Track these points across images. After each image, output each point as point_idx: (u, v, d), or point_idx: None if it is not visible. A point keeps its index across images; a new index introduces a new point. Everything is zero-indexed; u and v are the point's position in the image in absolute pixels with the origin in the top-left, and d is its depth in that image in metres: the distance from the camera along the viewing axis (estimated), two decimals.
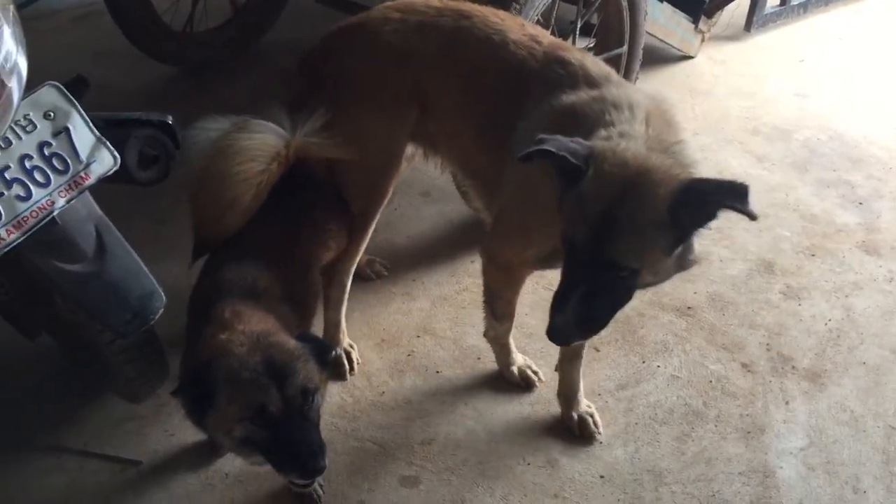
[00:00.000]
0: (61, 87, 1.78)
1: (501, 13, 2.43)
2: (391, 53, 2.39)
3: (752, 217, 1.78)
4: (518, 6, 2.87)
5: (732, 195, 1.78)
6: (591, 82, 2.17)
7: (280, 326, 2.03)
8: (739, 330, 2.99)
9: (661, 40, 4.57)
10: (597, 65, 2.24)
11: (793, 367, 2.84)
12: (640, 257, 1.86)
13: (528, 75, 2.25)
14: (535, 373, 2.72)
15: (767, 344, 2.93)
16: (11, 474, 2.39)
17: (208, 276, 2.21)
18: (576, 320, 1.91)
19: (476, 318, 2.95)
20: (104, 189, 1.89)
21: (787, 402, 2.71)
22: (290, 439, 1.83)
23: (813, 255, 3.37)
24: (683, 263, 1.97)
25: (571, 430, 2.57)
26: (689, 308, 3.06)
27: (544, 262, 2.29)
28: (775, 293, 3.17)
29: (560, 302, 1.93)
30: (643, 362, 2.84)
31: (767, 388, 2.76)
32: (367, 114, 2.42)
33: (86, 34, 4.91)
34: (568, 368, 2.56)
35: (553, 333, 1.97)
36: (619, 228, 1.82)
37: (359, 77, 2.43)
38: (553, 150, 1.83)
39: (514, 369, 2.71)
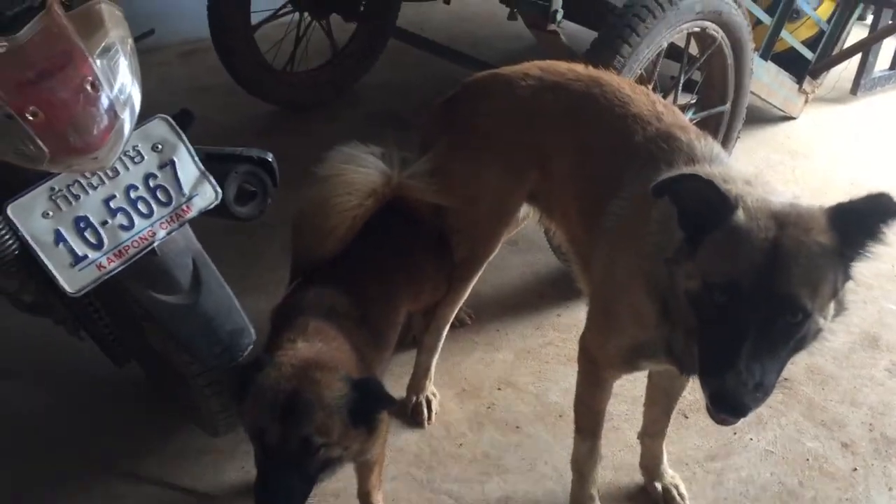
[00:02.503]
0: (171, 120, 1.80)
1: (639, 87, 2.31)
2: (521, 108, 2.36)
3: None
4: (622, 60, 2.82)
5: (887, 207, 1.57)
6: (691, 160, 2.00)
7: (352, 357, 2.01)
8: (840, 407, 2.82)
9: (764, 100, 4.45)
10: (707, 145, 2.05)
11: None
12: (814, 292, 1.57)
13: (632, 150, 2.12)
14: None
15: (871, 424, 2.76)
16: (88, 498, 2.41)
17: (295, 293, 2.25)
18: (751, 382, 1.55)
19: (559, 375, 2.87)
20: (197, 222, 1.90)
21: (890, 489, 2.53)
22: (266, 474, 1.81)
23: None
24: (841, 308, 1.71)
25: (656, 501, 2.45)
26: (786, 379, 2.90)
27: (628, 362, 2.08)
28: (880, 370, 2.99)
29: (724, 359, 1.56)
30: (735, 434, 2.70)
31: (869, 472, 2.58)
32: (486, 164, 2.40)
33: (190, 69, 5.08)
34: (650, 443, 2.45)
35: (725, 401, 1.57)
36: (791, 258, 1.56)
37: (485, 125, 2.41)
38: (701, 174, 1.68)
39: None
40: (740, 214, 1.62)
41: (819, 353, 2.99)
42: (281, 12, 4.41)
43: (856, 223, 1.61)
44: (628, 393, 2.76)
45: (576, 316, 3.12)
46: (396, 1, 4.58)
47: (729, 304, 1.59)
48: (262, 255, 3.35)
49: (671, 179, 1.68)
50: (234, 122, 4.48)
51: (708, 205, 1.65)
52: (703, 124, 3.33)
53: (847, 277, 1.65)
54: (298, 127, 4.42)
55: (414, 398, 2.71)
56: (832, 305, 1.66)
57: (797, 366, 2.96)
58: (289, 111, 4.62)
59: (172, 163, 1.80)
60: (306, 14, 4.46)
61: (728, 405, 1.58)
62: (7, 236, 1.63)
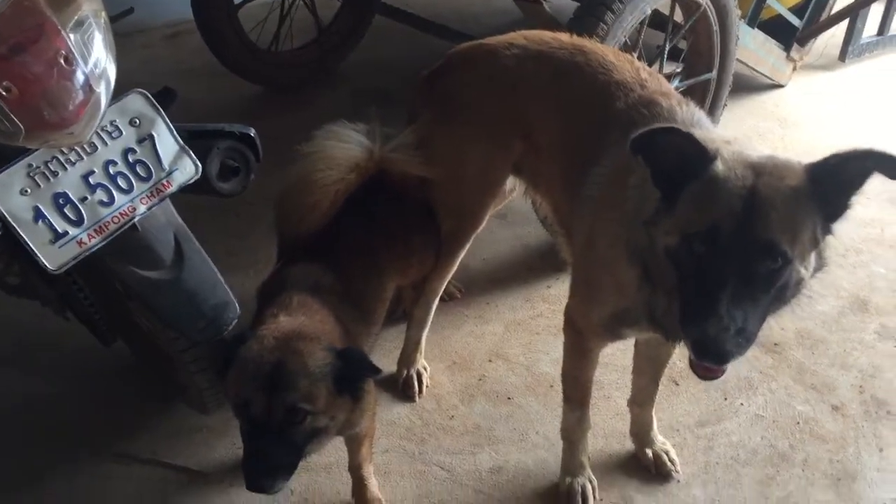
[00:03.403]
0: (148, 94, 1.79)
1: (623, 55, 2.29)
2: (504, 78, 2.34)
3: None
4: (605, 27, 2.80)
5: (875, 157, 1.57)
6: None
7: (336, 330, 2.02)
8: (830, 370, 2.83)
9: (752, 68, 4.43)
10: (689, 111, 2.04)
11: (888, 412, 2.67)
12: (792, 238, 1.57)
13: (613, 117, 2.10)
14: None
15: (860, 386, 2.77)
16: (79, 478, 2.42)
17: (280, 270, 2.26)
18: (733, 328, 1.54)
19: (550, 345, 2.88)
20: (180, 201, 1.89)
21: (881, 450, 2.54)
22: (251, 445, 1.81)
23: None
24: (821, 261, 1.71)
25: (647, 467, 2.46)
26: (775, 344, 2.91)
27: (612, 330, 2.08)
28: (870, 333, 3.00)
29: (705, 307, 1.55)
30: (725, 399, 2.71)
31: (860, 433, 2.59)
32: (470, 135, 2.39)
33: (174, 51, 5.05)
34: (639, 411, 2.46)
35: (707, 348, 1.56)
36: (769, 203, 1.56)
37: (468, 96, 2.41)
38: (679, 128, 1.67)
39: (572, 483, 2.35)
40: (718, 165, 1.62)
41: (808, 317, 3.01)
42: None
43: (834, 176, 1.61)
44: (618, 362, 2.76)
45: (565, 287, 3.08)
46: None
47: (708, 253, 1.59)
48: (249, 234, 3.34)
49: (649, 132, 1.66)
50: (219, 103, 4.46)
51: (686, 157, 1.64)
52: (689, 92, 3.33)
53: (827, 230, 1.65)
54: (284, 106, 4.39)
55: (405, 372, 2.71)
56: (813, 257, 1.66)
57: (787, 330, 2.96)
58: (274, 91, 4.59)
59: (151, 137, 1.78)
60: None
61: (710, 352, 1.57)
62: None
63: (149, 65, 4.78)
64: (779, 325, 2.95)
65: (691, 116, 2.03)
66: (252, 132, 2.04)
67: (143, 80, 2.12)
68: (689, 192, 1.65)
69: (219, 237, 3.21)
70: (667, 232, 1.67)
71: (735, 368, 2.77)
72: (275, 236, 2.44)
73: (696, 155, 1.64)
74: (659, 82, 2.20)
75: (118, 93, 1.72)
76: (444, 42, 3.89)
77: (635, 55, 2.89)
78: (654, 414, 2.46)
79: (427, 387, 2.72)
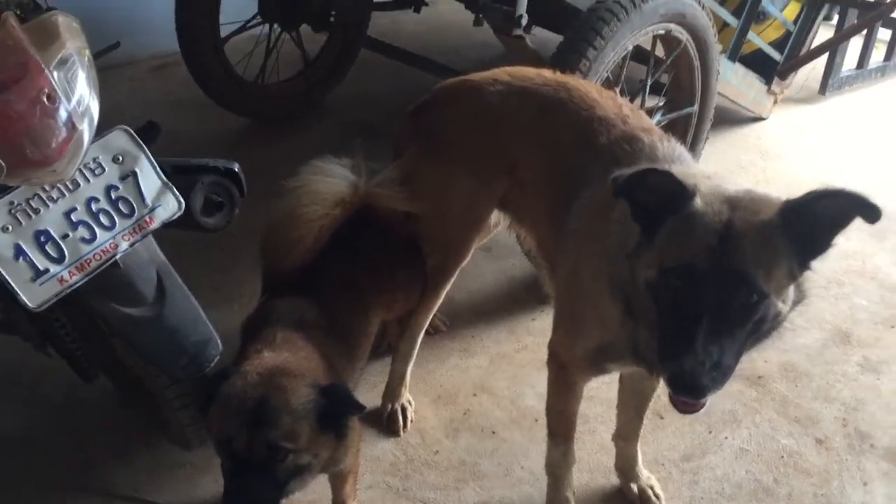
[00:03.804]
0: (131, 131, 1.79)
1: (605, 91, 2.32)
2: (489, 114, 2.36)
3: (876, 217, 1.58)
4: (587, 63, 2.84)
5: (847, 198, 1.58)
6: (653, 161, 1.99)
7: (320, 366, 2.01)
8: (814, 403, 2.84)
9: (733, 101, 4.49)
10: (670, 146, 2.06)
11: (871, 446, 2.67)
12: (767, 272, 1.57)
13: (596, 153, 2.12)
14: None
15: (844, 419, 2.77)
16: None
17: (264, 305, 2.25)
18: (708, 362, 1.54)
19: (535, 379, 2.87)
20: (164, 235, 1.89)
21: (864, 483, 2.54)
22: (233, 482, 1.79)
23: (893, 327, 3.20)
24: (801, 294, 1.72)
25: (632, 502, 2.45)
26: (759, 377, 2.92)
27: (595, 364, 2.08)
28: (852, 365, 3.01)
29: (680, 341, 1.57)
30: (710, 432, 2.71)
31: (843, 467, 2.59)
32: (456, 170, 2.40)
33: (161, 84, 5.06)
34: (624, 445, 2.45)
35: (683, 382, 1.56)
36: (743, 237, 1.58)
37: (453, 132, 2.42)
38: (658, 168, 1.70)
39: None
40: (697, 201, 1.63)
41: (792, 350, 3.02)
42: (251, 24, 4.40)
43: (809, 215, 1.61)
44: (603, 395, 2.76)
45: (550, 320, 3.04)
46: (367, 11, 4.59)
47: (684, 287, 1.60)
48: (233, 267, 3.33)
49: (631, 175, 1.67)
50: (206, 136, 4.46)
51: (665, 194, 1.65)
52: (671, 126, 3.37)
53: (805, 266, 1.66)
54: (270, 139, 4.41)
55: (389, 406, 2.70)
56: (792, 290, 1.66)
57: (770, 363, 2.97)
58: (261, 123, 4.61)
59: (134, 174, 1.78)
60: (276, 26, 4.45)
61: (687, 386, 1.57)
62: None
63: (136, 96, 4.79)
64: (762, 358, 2.96)
65: (672, 152, 2.05)
66: (236, 167, 2.04)
67: (131, 112, 2.14)
68: (668, 227, 1.67)
69: (202, 271, 3.20)
70: (647, 265, 1.68)
71: (719, 401, 2.79)
72: (259, 270, 2.43)
73: (676, 192, 1.65)
74: (640, 118, 2.22)
75: (104, 126, 1.72)
76: (430, 76, 3.94)
77: (618, 90, 2.93)
78: (639, 448, 2.46)
79: (411, 421, 2.71)
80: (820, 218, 1.62)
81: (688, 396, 1.63)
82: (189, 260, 2.27)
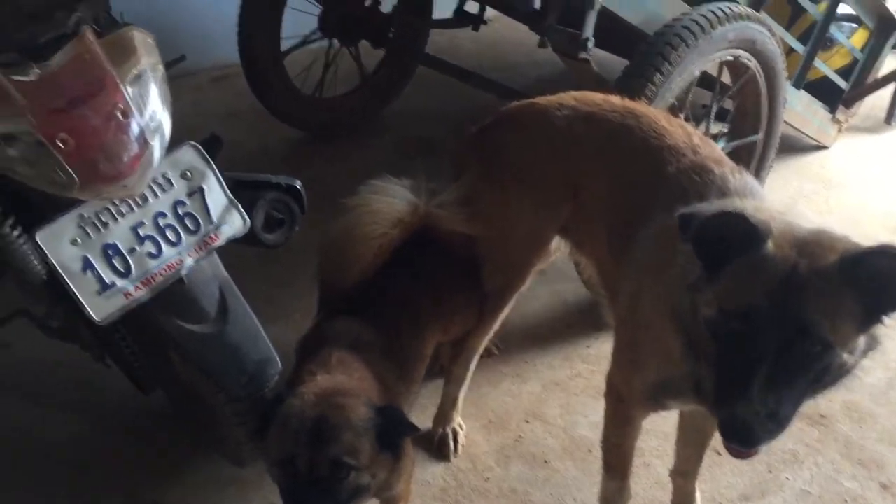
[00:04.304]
0: (200, 147, 1.80)
1: (675, 119, 2.27)
2: (555, 139, 2.32)
3: None
4: (654, 89, 2.78)
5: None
6: (724, 193, 1.94)
7: (375, 387, 1.99)
8: (879, 445, 2.73)
9: (797, 129, 4.39)
10: (741, 179, 1.99)
11: None
12: (832, 322, 1.50)
13: (664, 182, 2.07)
14: None
15: None
16: None
17: (320, 324, 2.25)
18: (764, 412, 1.48)
19: (588, 408, 2.82)
20: (224, 248, 1.88)
21: None
22: (296, 500, 1.76)
23: None
24: (873, 342, 1.61)
25: None
26: (822, 416, 2.82)
27: (654, 400, 2.02)
28: None
29: (736, 386, 1.51)
30: (770, 472, 2.62)
31: None
32: (520, 195, 2.36)
33: (221, 94, 5.12)
34: (682, 482, 2.38)
35: (734, 430, 1.51)
36: (809, 285, 1.50)
37: (518, 156, 2.38)
38: (731, 210, 1.64)
39: None
40: (769, 245, 1.57)
41: (856, 389, 2.92)
42: (310, 39, 4.43)
43: (866, 272, 1.51)
44: (660, 428, 2.69)
45: (605, 348, 3.06)
46: (425, 28, 4.59)
47: (744, 330, 1.53)
48: (291, 282, 3.32)
49: (704, 218, 1.61)
50: (263, 148, 4.50)
51: (736, 237, 1.59)
52: (735, 153, 3.29)
53: (875, 319, 1.56)
54: (327, 152, 4.43)
55: (440, 430, 2.66)
56: (861, 340, 1.58)
57: (833, 403, 2.87)
58: (318, 137, 4.63)
59: (201, 190, 1.79)
60: (335, 41, 4.47)
61: (737, 434, 1.52)
62: (36, 262, 1.62)
63: (197, 108, 4.84)
64: (825, 397, 2.85)
65: (744, 185, 1.98)
66: (298, 184, 2.04)
67: (191, 123, 2.14)
68: (735, 267, 1.60)
69: (260, 286, 3.20)
70: (707, 302, 1.62)
71: (780, 440, 2.68)
72: (316, 286, 2.42)
73: (749, 235, 1.59)
74: (712, 148, 2.16)
75: (171, 138, 1.73)
76: (487, 94, 3.91)
77: (682, 116, 2.87)
78: (697, 485, 2.39)
79: (462, 446, 2.67)
80: (881, 273, 1.52)
81: (739, 445, 1.57)
82: (247, 273, 2.27)
